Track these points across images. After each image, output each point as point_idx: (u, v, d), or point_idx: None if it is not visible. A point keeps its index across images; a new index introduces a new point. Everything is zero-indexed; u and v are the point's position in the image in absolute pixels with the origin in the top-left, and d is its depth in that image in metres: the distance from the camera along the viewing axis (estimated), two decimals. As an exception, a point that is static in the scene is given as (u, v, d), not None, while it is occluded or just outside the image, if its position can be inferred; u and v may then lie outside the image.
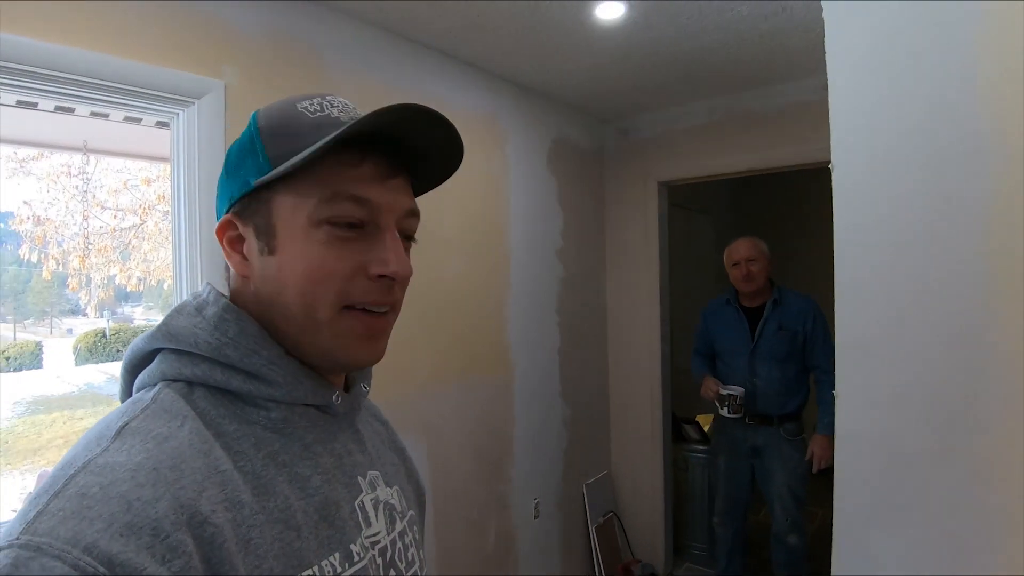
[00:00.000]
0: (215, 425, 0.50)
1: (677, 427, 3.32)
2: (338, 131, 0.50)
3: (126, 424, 0.47)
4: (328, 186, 0.52)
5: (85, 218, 5.27)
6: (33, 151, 4.69)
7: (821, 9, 1.13)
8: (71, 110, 1.70)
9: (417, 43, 2.22)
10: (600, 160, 3.32)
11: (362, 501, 0.58)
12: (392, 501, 0.63)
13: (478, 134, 2.52)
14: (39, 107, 1.65)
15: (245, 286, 0.57)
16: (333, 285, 0.53)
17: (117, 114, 1.76)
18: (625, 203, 3.26)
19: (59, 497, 0.40)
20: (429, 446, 2.26)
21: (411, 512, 0.67)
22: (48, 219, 5.24)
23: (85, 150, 2.55)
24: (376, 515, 0.59)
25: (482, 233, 2.53)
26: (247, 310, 0.56)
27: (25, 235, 5.16)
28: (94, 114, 1.77)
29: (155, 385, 0.52)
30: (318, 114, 0.55)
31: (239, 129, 0.58)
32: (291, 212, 0.53)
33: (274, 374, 0.53)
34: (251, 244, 0.55)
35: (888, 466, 1.04)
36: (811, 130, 2.50)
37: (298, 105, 0.56)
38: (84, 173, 5.23)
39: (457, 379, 2.41)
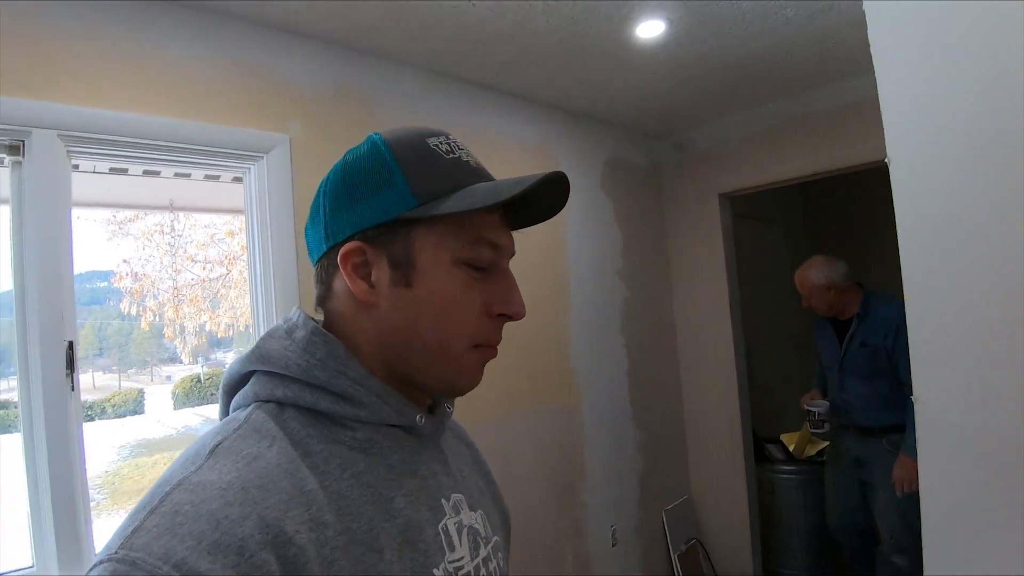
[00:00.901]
0: (303, 445, 0.51)
1: (760, 447, 3.17)
2: (505, 194, 0.53)
3: (219, 443, 0.48)
4: (471, 231, 0.56)
5: (177, 272, 5.70)
6: (130, 213, 5.15)
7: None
8: (157, 173, 1.87)
9: (466, 81, 2.30)
10: (657, 176, 3.29)
11: (446, 524, 0.57)
12: (476, 525, 0.61)
13: (530, 162, 2.56)
14: (129, 172, 1.82)
15: (363, 312, 0.57)
16: (468, 322, 0.56)
17: (198, 173, 1.92)
18: (687, 218, 3.20)
19: (155, 514, 0.42)
20: (501, 472, 2.25)
21: (496, 538, 0.65)
22: (145, 274, 5.71)
23: (171, 208, 2.78)
24: (460, 539, 0.58)
25: (538, 257, 2.55)
26: (360, 335, 0.57)
27: (125, 291, 5.63)
28: (178, 175, 1.94)
29: (248, 406, 0.54)
30: (450, 155, 0.57)
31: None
32: (433, 250, 0.55)
33: (360, 394, 0.54)
34: (382, 273, 0.55)
35: (973, 466, 0.97)
36: (875, 127, 2.38)
37: (429, 141, 0.57)
38: (174, 230, 5.67)
39: (523, 404, 2.41)
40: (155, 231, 5.62)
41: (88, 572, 0.40)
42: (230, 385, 0.58)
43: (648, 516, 2.91)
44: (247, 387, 0.56)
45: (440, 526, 0.56)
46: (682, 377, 3.25)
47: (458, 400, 0.62)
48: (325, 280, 0.59)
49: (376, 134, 0.58)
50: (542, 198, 0.60)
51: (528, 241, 2.51)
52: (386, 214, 0.54)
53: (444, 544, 0.56)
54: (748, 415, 3.07)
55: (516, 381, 2.39)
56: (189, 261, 5.90)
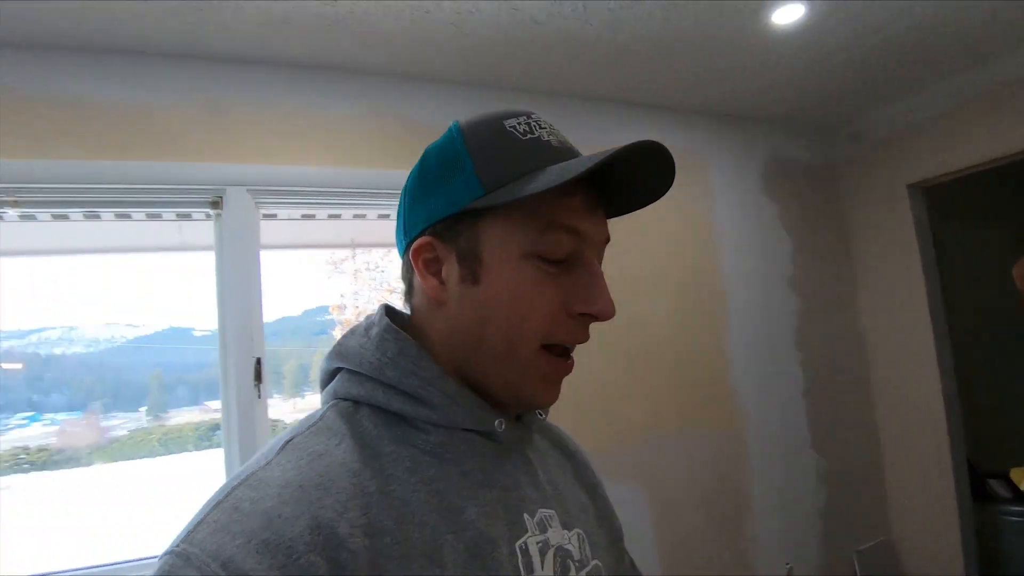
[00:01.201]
0: (374, 446, 0.48)
1: (980, 483, 2.62)
2: (573, 170, 0.47)
3: (291, 439, 0.48)
4: (542, 216, 0.50)
5: (379, 302, 6.46)
6: (343, 253, 5.99)
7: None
8: (338, 216, 2.20)
9: (596, 99, 2.33)
10: (831, 172, 2.95)
11: (525, 543, 0.51)
12: (568, 547, 0.54)
13: (679, 172, 2.47)
14: (316, 217, 2.17)
15: (436, 310, 0.54)
16: (537, 323, 0.51)
17: (372, 213, 2.21)
18: (871, 216, 2.82)
19: (217, 508, 0.42)
20: (651, 495, 2.19)
21: (595, 562, 0.57)
22: (355, 306, 6.57)
23: (352, 245, 3.19)
24: (543, 561, 0.51)
25: (687, 269, 2.45)
26: (433, 334, 0.54)
27: (339, 322, 6.54)
28: (356, 216, 2.25)
29: (328, 403, 0.53)
30: (528, 136, 0.52)
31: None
32: (501, 242, 0.51)
33: (430, 395, 0.50)
34: (451, 269, 0.52)
35: None
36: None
37: (506, 123, 0.53)
38: (378, 267, 6.46)
39: (675, 426, 2.31)
40: (363, 268, 6.46)
41: (159, 559, 0.42)
42: (323, 381, 0.57)
43: (835, 556, 2.56)
44: (331, 384, 0.55)
45: (518, 544, 0.50)
46: (875, 399, 2.83)
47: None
48: (407, 276, 0.57)
49: (456, 121, 0.55)
50: (641, 177, 0.54)
51: (675, 249, 2.43)
52: (453, 206, 0.51)
53: (520, 564, 0.49)
54: (961, 444, 2.56)
55: (663, 401, 2.30)
56: (389, 292, 6.65)
